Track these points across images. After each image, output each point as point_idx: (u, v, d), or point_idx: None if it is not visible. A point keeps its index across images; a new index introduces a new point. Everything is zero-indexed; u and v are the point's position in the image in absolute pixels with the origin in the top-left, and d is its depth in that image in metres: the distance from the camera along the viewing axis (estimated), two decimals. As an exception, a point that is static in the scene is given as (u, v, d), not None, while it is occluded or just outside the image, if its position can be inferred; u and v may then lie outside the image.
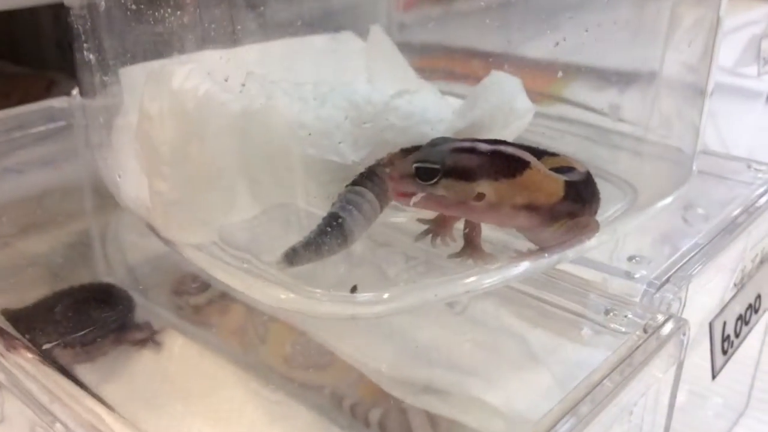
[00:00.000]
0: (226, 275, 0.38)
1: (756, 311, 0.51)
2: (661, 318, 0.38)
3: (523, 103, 0.47)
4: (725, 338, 0.46)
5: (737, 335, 0.48)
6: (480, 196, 0.36)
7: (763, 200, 0.51)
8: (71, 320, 0.58)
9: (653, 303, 0.40)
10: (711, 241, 0.46)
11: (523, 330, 0.48)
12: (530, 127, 0.54)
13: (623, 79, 0.53)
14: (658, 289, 0.41)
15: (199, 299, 0.63)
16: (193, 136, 0.35)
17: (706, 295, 0.44)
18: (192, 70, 0.35)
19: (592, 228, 0.39)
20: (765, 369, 0.64)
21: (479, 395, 0.49)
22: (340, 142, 0.39)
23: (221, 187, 0.38)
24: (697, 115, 0.50)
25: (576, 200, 0.38)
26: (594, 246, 0.40)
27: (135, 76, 0.44)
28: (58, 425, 0.39)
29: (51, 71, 1.12)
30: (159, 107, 0.36)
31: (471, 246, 0.40)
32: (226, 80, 0.38)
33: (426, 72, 0.55)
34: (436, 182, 0.36)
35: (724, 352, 0.46)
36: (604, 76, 0.54)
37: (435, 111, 0.43)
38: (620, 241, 0.46)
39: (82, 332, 0.56)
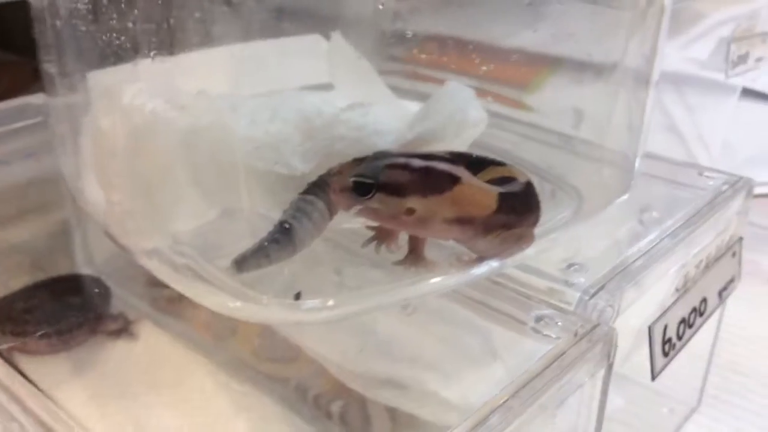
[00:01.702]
0: (176, 283, 0.39)
1: (701, 314, 0.52)
2: (589, 325, 0.40)
3: (476, 113, 0.48)
4: (666, 341, 0.48)
5: (680, 338, 0.50)
6: (410, 211, 0.37)
7: (706, 208, 0.52)
8: (48, 311, 0.60)
9: (587, 310, 0.42)
10: (651, 249, 0.48)
11: (473, 328, 0.49)
12: (494, 131, 0.56)
13: (592, 74, 0.54)
14: (592, 296, 0.42)
15: (173, 291, 0.64)
16: (142, 150, 0.37)
17: (647, 300, 0.46)
18: (141, 89, 0.37)
19: (526, 239, 0.41)
20: (718, 363, 0.66)
21: (436, 389, 0.51)
22: (288, 155, 0.40)
23: (172, 196, 0.39)
24: (638, 117, 0.51)
25: (510, 212, 0.40)
26: (534, 254, 0.42)
27: (102, 80, 0.46)
28: (14, 425, 0.41)
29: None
30: (111, 122, 0.37)
31: (414, 253, 0.42)
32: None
33: (415, 63, 0.57)
34: (371, 197, 0.37)
35: (666, 354, 0.48)
36: (580, 69, 0.55)
37: (386, 123, 0.44)
38: (565, 246, 0.47)
39: (59, 322, 0.58)
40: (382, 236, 0.43)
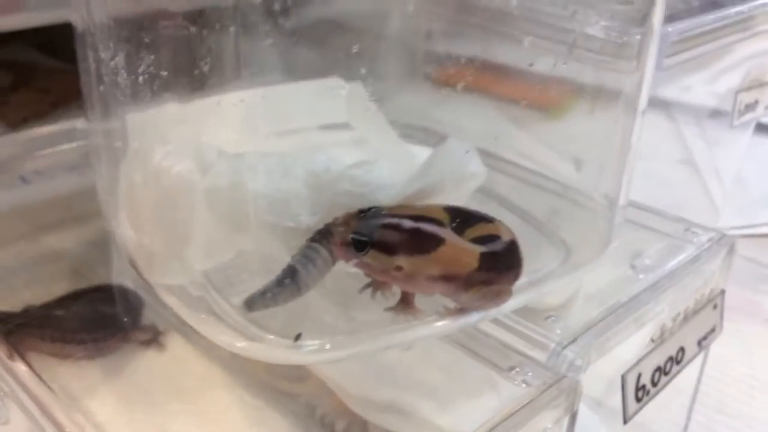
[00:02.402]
0: (189, 318, 0.44)
1: (678, 362, 0.56)
2: (556, 377, 0.44)
3: (474, 167, 0.53)
4: (640, 388, 0.52)
5: (654, 384, 0.53)
6: (398, 268, 0.42)
7: (686, 264, 0.56)
8: (86, 319, 0.65)
9: (559, 361, 0.46)
10: (628, 302, 0.51)
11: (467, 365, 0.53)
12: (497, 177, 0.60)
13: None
14: (564, 348, 0.47)
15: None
16: (169, 205, 0.42)
17: (620, 351, 0.50)
18: (170, 151, 0.42)
19: (503, 296, 0.45)
20: (705, 403, 0.69)
21: (431, 417, 0.55)
22: (297, 209, 0.46)
23: (194, 242, 0.45)
24: (625, 154, 0.54)
25: (490, 270, 0.44)
26: (514, 307, 0.47)
27: (140, 122, 0.51)
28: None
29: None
30: (142, 178, 0.43)
31: (405, 301, 0.47)
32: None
33: (446, 83, 0.61)
34: (366, 253, 0.42)
35: (639, 400, 0.52)
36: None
37: (388, 178, 0.49)
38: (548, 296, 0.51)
39: (95, 330, 0.63)
40: (377, 284, 0.48)
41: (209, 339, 0.44)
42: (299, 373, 0.62)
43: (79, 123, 0.81)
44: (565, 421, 0.44)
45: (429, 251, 0.43)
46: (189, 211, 0.42)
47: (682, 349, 0.56)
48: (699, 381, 0.65)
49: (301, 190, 0.46)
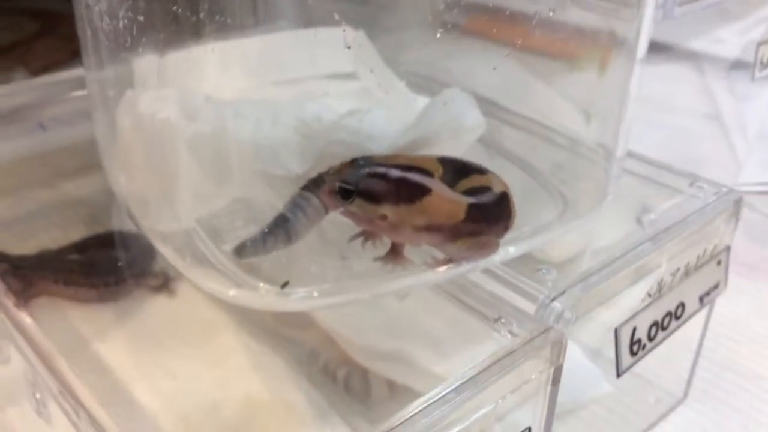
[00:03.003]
0: (180, 265, 0.45)
1: (677, 318, 0.55)
2: (540, 329, 0.44)
3: (473, 118, 0.52)
4: (635, 342, 0.51)
5: (651, 339, 0.53)
6: (383, 217, 0.42)
7: (688, 219, 0.55)
8: (99, 263, 0.66)
9: (547, 312, 0.46)
10: (623, 256, 0.51)
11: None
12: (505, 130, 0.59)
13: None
14: (553, 300, 0.46)
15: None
16: (154, 152, 0.42)
17: (614, 305, 0.49)
18: (155, 97, 0.42)
19: (490, 247, 0.45)
20: (713, 359, 0.68)
21: (429, 365, 0.56)
22: (286, 158, 0.45)
23: (183, 189, 0.45)
24: (623, 103, 0.52)
25: (478, 221, 0.44)
26: (506, 258, 0.46)
27: (145, 68, 0.51)
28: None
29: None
30: (130, 123, 0.43)
31: (394, 251, 0.47)
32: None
33: (466, 32, 0.60)
34: (352, 201, 0.42)
35: (634, 354, 0.51)
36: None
37: (381, 128, 0.48)
38: (545, 247, 0.51)
39: (108, 275, 0.65)
40: (367, 233, 0.48)
41: (199, 286, 0.44)
42: (304, 321, 0.63)
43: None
44: (550, 373, 0.44)
45: (414, 201, 0.42)
46: (175, 158, 0.42)
47: (682, 305, 0.55)
48: (703, 335, 0.64)
49: (291, 138, 0.46)
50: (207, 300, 0.64)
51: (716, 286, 0.59)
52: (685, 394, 0.68)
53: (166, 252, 0.46)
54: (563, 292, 0.47)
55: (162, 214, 0.46)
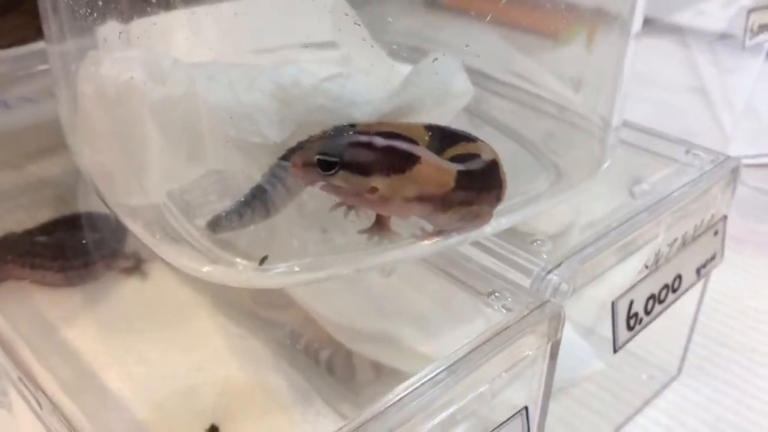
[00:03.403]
0: (152, 244, 0.42)
1: (674, 290, 0.53)
2: (537, 302, 0.42)
3: (460, 84, 0.49)
4: (632, 315, 0.49)
5: (648, 312, 0.51)
6: (373, 190, 0.39)
7: (685, 188, 0.53)
8: (67, 246, 0.63)
9: (543, 286, 0.44)
10: (618, 226, 0.48)
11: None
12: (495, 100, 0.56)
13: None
14: (548, 273, 0.44)
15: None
16: (119, 118, 0.39)
17: (611, 277, 0.47)
18: (119, 58, 0.39)
19: (483, 217, 0.42)
20: (706, 334, 0.67)
21: (414, 345, 0.53)
22: (263, 125, 0.42)
23: (152, 159, 0.42)
24: (617, 75, 0.50)
25: (469, 189, 0.41)
26: (498, 229, 0.44)
27: (110, 34, 0.48)
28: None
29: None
30: (91, 89, 0.40)
31: (379, 224, 0.44)
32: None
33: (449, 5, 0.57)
34: (334, 173, 0.39)
35: (630, 328, 0.49)
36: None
37: (364, 94, 0.45)
38: (537, 219, 0.48)
39: (77, 258, 0.62)
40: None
41: (171, 263, 0.41)
42: (283, 302, 0.61)
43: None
44: (547, 349, 0.41)
45: (404, 170, 0.39)
46: (141, 125, 0.39)
47: (679, 277, 0.53)
48: (698, 310, 0.63)
49: (268, 103, 0.43)
50: (181, 282, 0.62)
51: (713, 257, 0.57)
52: (679, 371, 0.66)
53: (134, 228, 0.43)
54: (559, 265, 0.44)
55: (129, 187, 0.43)
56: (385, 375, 0.54)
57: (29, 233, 0.65)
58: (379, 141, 0.40)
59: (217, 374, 0.54)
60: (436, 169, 0.40)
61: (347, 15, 0.57)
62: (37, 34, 0.97)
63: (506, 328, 0.40)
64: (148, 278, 0.63)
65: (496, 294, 0.43)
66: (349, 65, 0.56)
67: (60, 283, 0.61)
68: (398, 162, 0.39)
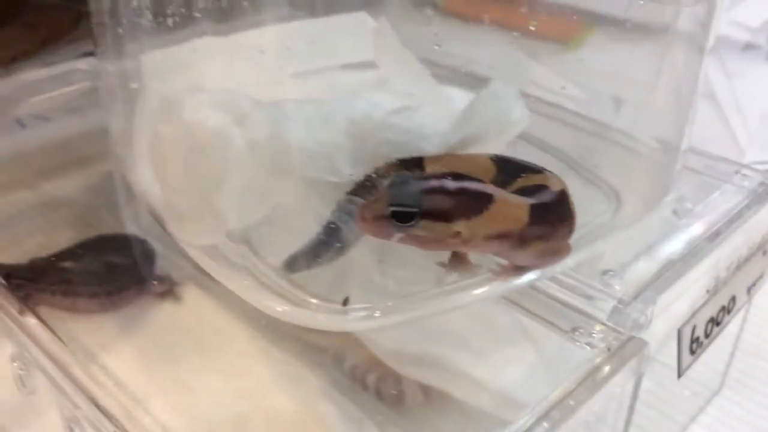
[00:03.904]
0: (230, 283, 0.41)
1: (729, 312, 0.54)
2: (622, 338, 0.42)
3: (519, 112, 0.49)
4: (694, 340, 0.50)
5: (707, 335, 0.51)
6: (457, 234, 0.38)
7: (742, 211, 0.53)
8: (97, 271, 0.62)
9: (621, 319, 0.44)
10: (687, 254, 0.49)
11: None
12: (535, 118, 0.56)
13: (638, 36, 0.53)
14: (627, 306, 0.44)
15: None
16: (202, 162, 0.38)
17: (677, 305, 0.47)
18: (202, 102, 0.38)
19: (563, 252, 0.42)
20: (743, 348, 0.67)
21: (468, 369, 0.53)
22: (339, 162, 0.42)
23: (229, 200, 0.41)
24: (687, 95, 0.50)
25: (543, 223, 0.41)
26: (573, 264, 0.44)
27: (156, 61, 0.47)
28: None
29: (81, 3, 1.11)
30: (171, 131, 0.39)
31: (457, 256, 0.44)
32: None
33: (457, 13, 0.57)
34: (413, 224, 0.38)
35: (693, 353, 0.50)
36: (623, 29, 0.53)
37: (431, 126, 0.45)
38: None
39: (108, 283, 0.60)
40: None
41: (253, 305, 0.40)
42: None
43: (81, 64, 0.77)
44: (631, 386, 0.42)
45: (482, 210, 0.39)
46: (224, 166, 0.39)
47: (733, 298, 0.54)
48: (742, 329, 0.63)
49: (342, 140, 0.42)
50: (217, 306, 0.61)
51: (761, 276, 0.58)
52: (721, 385, 0.67)
53: (206, 265, 0.42)
54: (637, 297, 0.44)
55: (201, 227, 0.42)
56: (434, 399, 0.54)
57: (55, 258, 0.63)
58: (451, 183, 0.39)
59: (265, 402, 0.54)
60: (510, 206, 0.40)
61: (388, 36, 0.56)
62: (41, 46, 0.96)
63: (598, 368, 0.40)
64: (183, 302, 0.62)
65: (581, 330, 0.43)
66: (396, 88, 0.56)
67: (93, 309, 0.59)
68: (475, 203, 0.39)
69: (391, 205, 0.37)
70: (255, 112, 0.39)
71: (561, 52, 0.62)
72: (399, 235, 0.38)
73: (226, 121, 0.38)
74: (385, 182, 0.41)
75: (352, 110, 0.43)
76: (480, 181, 0.41)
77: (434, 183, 0.39)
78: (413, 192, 0.38)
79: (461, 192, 0.39)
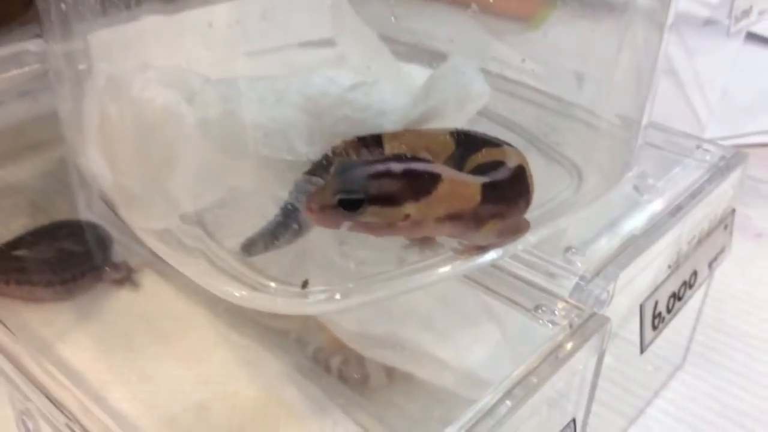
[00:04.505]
0: (184, 267, 0.40)
1: (691, 287, 0.54)
2: (585, 315, 0.41)
3: (479, 86, 0.48)
4: (656, 316, 0.50)
5: (669, 311, 0.51)
6: (406, 217, 0.37)
7: (703, 185, 0.53)
8: (52, 258, 0.60)
9: (583, 296, 0.43)
10: (649, 229, 0.48)
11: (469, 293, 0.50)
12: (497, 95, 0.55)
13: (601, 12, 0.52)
14: (588, 282, 0.44)
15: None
16: (152, 141, 0.37)
17: (639, 280, 0.47)
18: (150, 80, 0.37)
19: (522, 229, 0.41)
20: (704, 322, 0.68)
21: (432, 349, 0.52)
22: (295, 140, 0.41)
23: (181, 181, 0.40)
24: (647, 72, 0.49)
25: (497, 201, 0.40)
26: (535, 242, 0.43)
27: (104, 41, 0.45)
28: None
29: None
30: (119, 111, 0.37)
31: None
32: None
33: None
34: (362, 211, 0.37)
35: (655, 328, 0.50)
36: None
37: (389, 102, 0.44)
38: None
39: (63, 271, 0.59)
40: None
41: (210, 290, 0.39)
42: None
43: (31, 45, 0.74)
44: (593, 362, 0.41)
45: (430, 191, 0.38)
46: (176, 146, 0.37)
47: (695, 273, 0.54)
48: (703, 303, 0.64)
49: (298, 117, 0.41)
50: (176, 291, 0.60)
51: (722, 251, 0.58)
52: (684, 360, 0.67)
53: (159, 250, 0.41)
54: (598, 273, 0.44)
55: (154, 210, 0.41)
56: (398, 380, 0.54)
57: (8, 246, 0.62)
58: (397, 166, 0.38)
59: (227, 388, 0.53)
60: (460, 185, 0.39)
61: (345, 12, 0.55)
62: (25, 9, 0.93)
63: (560, 346, 0.39)
64: (141, 289, 0.61)
65: (543, 308, 0.42)
66: (354, 65, 0.55)
67: (48, 298, 0.58)
68: (422, 183, 0.38)
69: (337, 193, 0.36)
70: (206, 89, 0.38)
71: (524, 31, 0.62)
72: (348, 223, 0.37)
73: (176, 99, 0.37)
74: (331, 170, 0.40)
75: (308, 86, 0.42)
76: (428, 161, 0.40)
77: (380, 167, 0.38)
78: (359, 178, 0.37)
79: (407, 174, 0.38)
